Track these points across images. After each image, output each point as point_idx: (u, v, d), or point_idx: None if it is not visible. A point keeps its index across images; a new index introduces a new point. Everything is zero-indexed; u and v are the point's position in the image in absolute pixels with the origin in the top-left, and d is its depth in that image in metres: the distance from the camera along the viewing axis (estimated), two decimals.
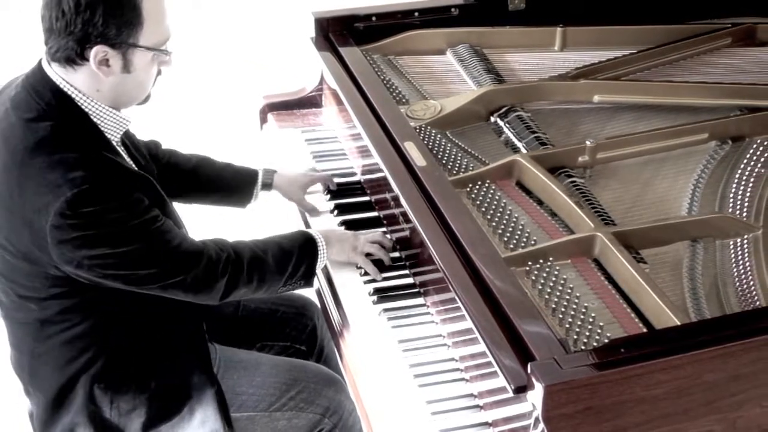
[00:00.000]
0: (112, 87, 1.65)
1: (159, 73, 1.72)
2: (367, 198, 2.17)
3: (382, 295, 1.88)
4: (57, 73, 1.64)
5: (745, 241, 1.81)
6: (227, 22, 4.77)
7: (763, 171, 1.97)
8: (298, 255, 1.85)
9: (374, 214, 2.11)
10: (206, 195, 2.12)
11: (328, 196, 2.19)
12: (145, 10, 1.60)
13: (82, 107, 1.65)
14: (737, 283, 1.73)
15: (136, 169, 1.72)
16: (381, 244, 1.95)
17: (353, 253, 1.93)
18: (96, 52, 1.58)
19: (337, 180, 2.24)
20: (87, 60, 1.60)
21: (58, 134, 1.61)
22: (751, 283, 1.71)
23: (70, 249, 1.59)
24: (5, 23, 4.83)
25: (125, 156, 1.74)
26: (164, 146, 2.09)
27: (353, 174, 2.25)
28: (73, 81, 1.63)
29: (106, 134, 1.68)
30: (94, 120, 1.66)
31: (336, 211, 2.15)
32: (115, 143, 1.70)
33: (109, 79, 1.63)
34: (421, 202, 1.83)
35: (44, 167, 1.57)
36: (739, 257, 1.78)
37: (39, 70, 1.66)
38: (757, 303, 1.67)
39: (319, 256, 1.88)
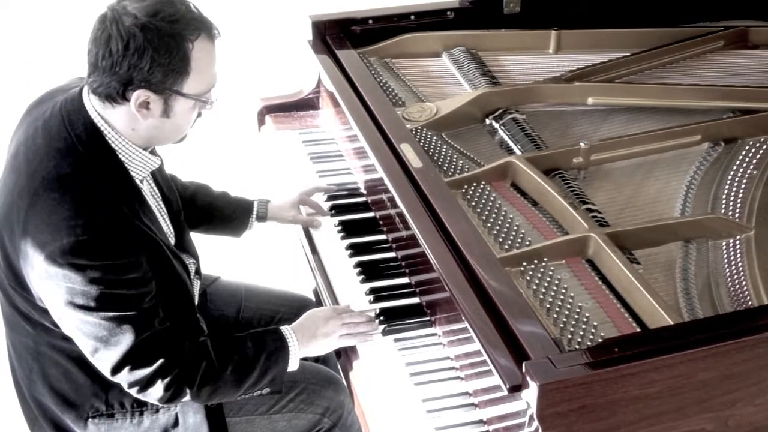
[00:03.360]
0: (148, 128, 1.62)
1: (199, 115, 1.69)
2: (363, 199, 2.18)
3: (379, 295, 1.89)
4: (94, 107, 1.61)
5: (738, 242, 1.82)
6: (226, 25, 4.78)
7: (755, 172, 1.99)
8: (263, 367, 1.73)
9: (371, 214, 2.12)
10: (201, 224, 2.08)
11: (326, 197, 2.21)
12: (194, 60, 1.57)
13: (112, 144, 1.62)
14: (729, 283, 1.74)
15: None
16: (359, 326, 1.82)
17: (329, 342, 1.80)
18: (138, 95, 1.56)
19: (332, 182, 2.25)
20: (127, 100, 1.57)
21: (78, 173, 1.57)
22: (744, 283, 1.73)
23: (51, 294, 1.58)
24: (5, 23, 4.83)
25: (147, 193, 1.71)
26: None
27: (350, 175, 2.27)
28: (109, 117, 1.61)
29: (131, 172, 1.65)
30: (122, 158, 1.63)
31: (333, 212, 2.16)
32: (138, 181, 1.67)
33: (147, 122, 1.61)
34: (416, 203, 1.84)
35: (53, 205, 1.54)
36: (732, 258, 1.79)
37: (78, 99, 1.63)
38: (749, 303, 1.68)
39: (289, 364, 1.77)
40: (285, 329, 1.79)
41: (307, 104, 2.51)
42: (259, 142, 2.55)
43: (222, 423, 1.82)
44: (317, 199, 2.19)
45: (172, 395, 1.66)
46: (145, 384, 1.64)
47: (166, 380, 1.64)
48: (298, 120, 2.51)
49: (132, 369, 1.62)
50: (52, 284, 1.56)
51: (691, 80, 2.34)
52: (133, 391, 1.67)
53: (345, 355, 1.84)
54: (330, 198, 2.20)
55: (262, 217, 2.13)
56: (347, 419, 1.95)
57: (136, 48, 1.51)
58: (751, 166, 2.01)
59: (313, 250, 2.09)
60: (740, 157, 2.05)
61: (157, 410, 1.79)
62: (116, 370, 1.63)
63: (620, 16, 2.48)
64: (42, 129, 1.63)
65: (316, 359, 2.17)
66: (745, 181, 1.97)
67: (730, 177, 1.99)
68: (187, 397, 1.69)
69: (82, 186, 1.57)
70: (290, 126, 2.49)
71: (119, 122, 1.61)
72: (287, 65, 3.90)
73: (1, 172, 1.70)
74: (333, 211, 2.16)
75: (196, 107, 1.65)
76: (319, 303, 2.05)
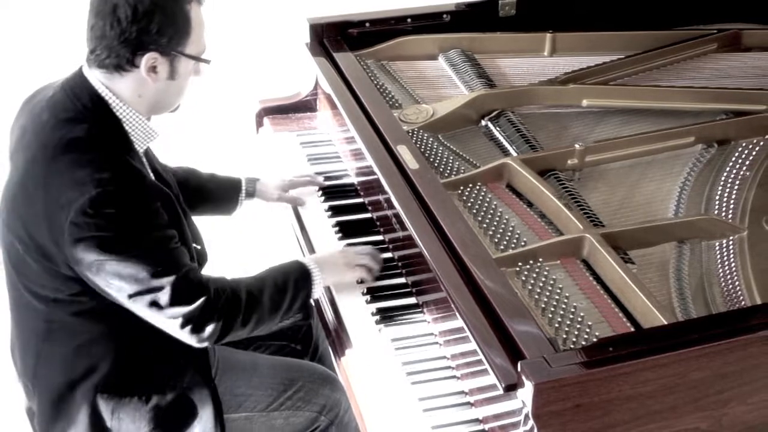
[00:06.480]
0: (154, 93, 1.70)
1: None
2: (360, 200, 2.19)
3: (375, 294, 1.90)
4: (98, 79, 1.68)
5: (731, 242, 1.84)
6: (225, 27, 4.78)
7: (747, 173, 2.01)
8: (293, 292, 1.83)
9: (368, 215, 2.13)
10: (195, 206, 2.10)
11: (323, 198, 2.22)
12: (193, 20, 1.68)
13: (117, 114, 1.69)
14: (723, 283, 1.76)
15: (157, 182, 1.74)
16: (372, 256, 1.94)
17: (348, 271, 1.91)
18: (147, 59, 1.64)
19: (331, 183, 2.26)
20: (137, 66, 1.65)
21: (91, 136, 1.65)
22: (737, 283, 1.74)
23: (84, 248, 1.60)
24: (5, 23, 4.83)
25: (147, 167, 1.77)
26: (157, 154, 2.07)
27: (347, 176, 2.28)
28: (115, 87, 1.68)
29: (134, 143, 1.72)
30: (126, 128, 1.70)
31: (330, 213, 2.18)
32: (141, 153, 1.74)
33: (155, 86, 1.69)
34: (413, 204, 1.86)
35: (74, 164, 1.60)
36: (725, 258, 1.81)
37: (79, 75, 1.70)
38: (743, 303, 1.70)
39: (314, 288, 1.86)
40: (303, 259, 1.90)
41: (304, 106, 2.52)
42: (257, 143, 2.56)
43: (220, 421, 1.82)
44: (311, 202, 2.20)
45: (224, 327, 1.72)
46: (197, 319, 1.68)
47: (216, 313, 1.70)
48: (296, 122, 2.52)
49: (180, 306, 1.66)
50: (85, 238, 1.60)
51: (685, 82, 2.35)
52: (187, 330, 1.69)
53: (343, 356, 1.86)
54: (327, 199, 2.21)
55: (250, 194, 2.20)
56: (344, 417, 1.96)
57: (144, 12, 1.60)
58: (744, 168, 2.03)
59: (309, 247, 2.11)
60: (733, 159, 2.06)
61: (164, 392, 1.80)
62: (163, 308, 1.66)
63: (615, 19, 2.50)
64: (47, 107, 1.69)
65: (313, 357, 2.19)
66: (738, 182, 1.98)
67: (723, 178, 2.01)
68: (237, 330, 1.74)
69: (97, 146, 1.64)
70: (288, 128, 2.50)
71: (126, 91, 1.68)
72: (285, 67, 3.90)
73: (8, 161, 1.76)
74: (330, 213, 2.17)
75: (194, 69, 1.73)
76: (315, 302, 2.07)
